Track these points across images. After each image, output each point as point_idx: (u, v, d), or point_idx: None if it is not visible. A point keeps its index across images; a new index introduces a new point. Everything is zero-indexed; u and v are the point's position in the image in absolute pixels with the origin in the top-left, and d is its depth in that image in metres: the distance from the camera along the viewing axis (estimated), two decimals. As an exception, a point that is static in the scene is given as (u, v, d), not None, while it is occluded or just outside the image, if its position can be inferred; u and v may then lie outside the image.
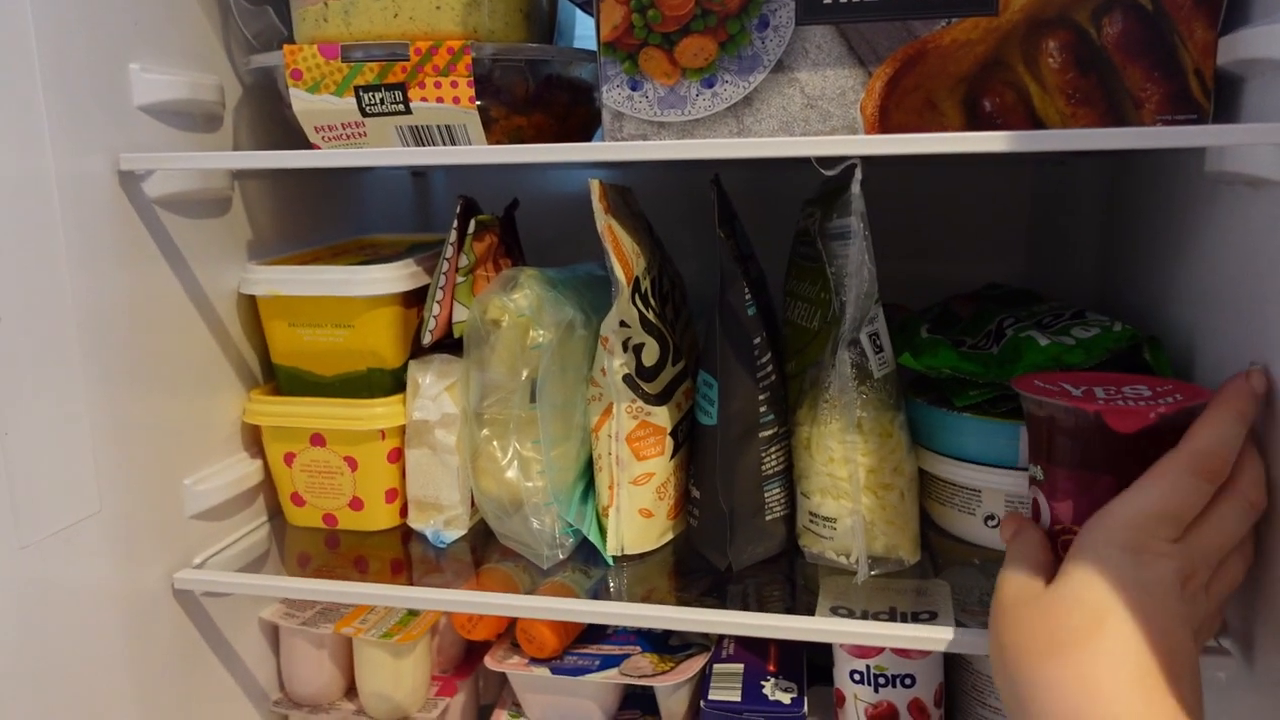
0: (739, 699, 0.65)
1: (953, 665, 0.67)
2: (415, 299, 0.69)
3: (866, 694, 0.61)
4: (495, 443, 0.64)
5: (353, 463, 0.68)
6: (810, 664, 0.69)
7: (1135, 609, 0.40)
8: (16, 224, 0.52)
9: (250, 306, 0.70)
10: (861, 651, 0.60)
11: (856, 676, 0.61)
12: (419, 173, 1.01)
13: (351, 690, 0.74)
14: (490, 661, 0.71)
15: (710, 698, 0.65)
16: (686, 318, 0.73)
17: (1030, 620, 0.43)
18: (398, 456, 0.68)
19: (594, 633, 0.74)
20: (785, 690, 0.66)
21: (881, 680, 0.60)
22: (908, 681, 0.60)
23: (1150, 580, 0.42)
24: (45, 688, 0.54)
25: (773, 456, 0.62)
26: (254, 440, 0.71)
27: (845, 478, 0.59)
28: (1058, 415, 0.49)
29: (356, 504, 0.69)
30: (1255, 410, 0.46)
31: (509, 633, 0.73)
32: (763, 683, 0.66)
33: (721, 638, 0.73)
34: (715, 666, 0.69)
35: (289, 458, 0.69)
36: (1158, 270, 0.65)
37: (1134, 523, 0.43)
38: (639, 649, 0.72)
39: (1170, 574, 0.42)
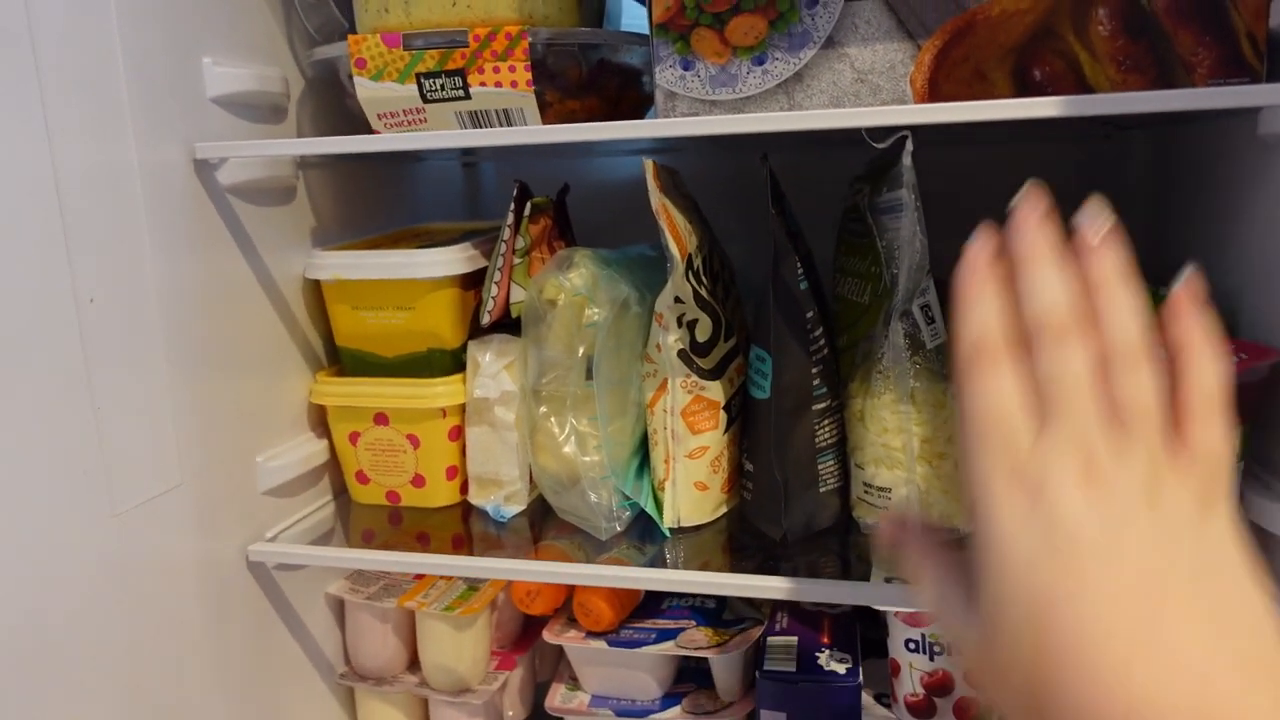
0: (794, 669, 0.66)
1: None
2: (473, 281, 0.71)
3: (922, 663, 0.62)
4: (553, 419, 0.66)
5: (415, 440, 0.70)
6: (863, 639, 0.70)
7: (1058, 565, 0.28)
8: (105, 210, 0.55)
9: (315, 291, 0.73)
10: (917, 619, 0.61)
11: (912, 645, 0.62)
12: (470, 163, 1.03)
13: (414, 663, 0.76)
14: (548, 635, 0.73)
15: (766, 668, 0.66)
16: (736, 297, 0.75)
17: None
18: (458, 434, 0.70)
19: (649, 608, 0.75)
20: (840, 661, 0.66)
21: (937, 649, 0.61)
22: (964, 649, 0.61)
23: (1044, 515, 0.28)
24: (131, 649, 0.57)
25: (825, 429, 0.63)
26: (320, 420, 0.73)
27: (899, 447, 0.60)
28: None
29: (419, 481, 0.71)
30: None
31: (566, 608, 0.75)
32: (817, 654, 0.67)
33: (775, 612, 0.74)
34: (769, 639, 0.70)
35: (354, 437, 0.71)
36: (1206, 240, 0.65)
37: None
38: (693, 623, 0.73)
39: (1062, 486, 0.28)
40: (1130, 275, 0.32)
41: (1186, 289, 0.32)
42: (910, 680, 0.62)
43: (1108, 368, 0.30)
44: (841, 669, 0.65)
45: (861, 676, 0.65)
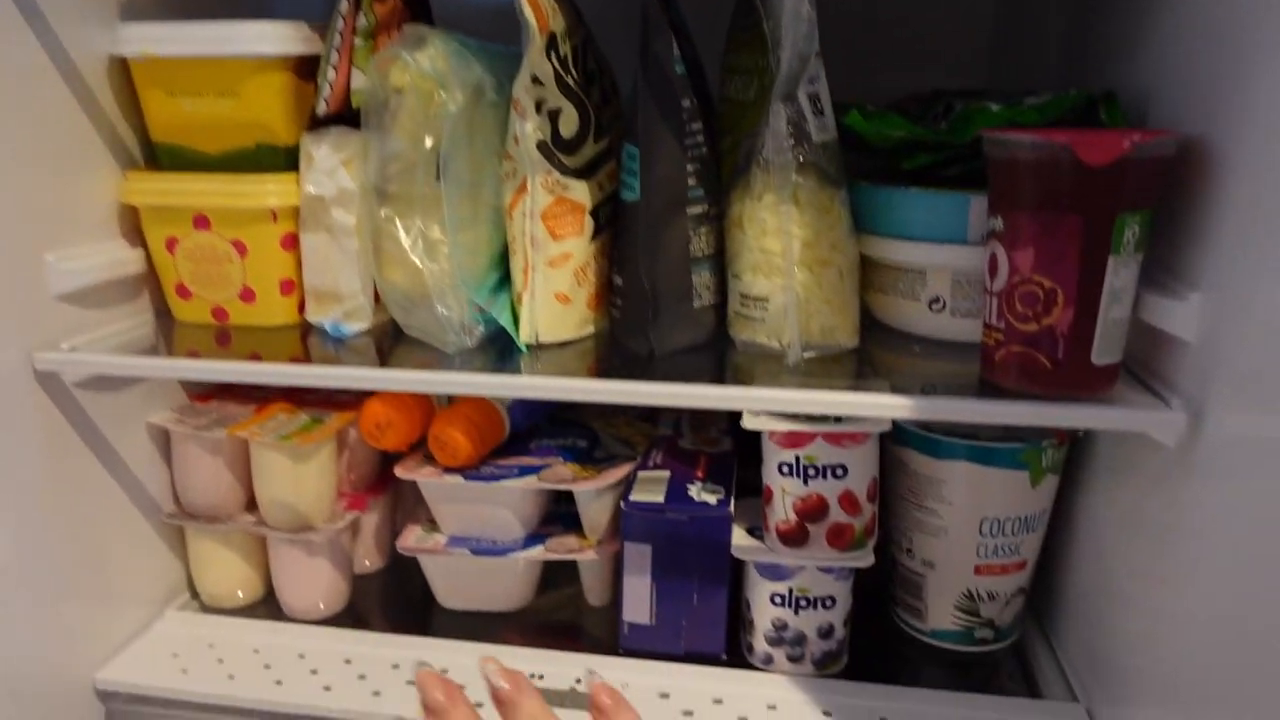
0: (662, 499, 0.61)
1: (889, 467, 0.64)
2: (310, 69, 0.61)
3: (795, 487, 0.57)
4: (399, 222, 0.58)
5: (241, 248, 0.61)
6: (742, 481, 0.65)
7: None
8: None
9: (125, 75, 0.62)
10: (792, 440, 0.57)
11: (785, 469, 0.57)
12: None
13: (251, 504, 0.69)
14: (401, 471, 0.67)
15: (631, 498, 0.61)
16: (616, 110, 0.67)
17: None
18: (293, 243, 0.62)
19: (515, 448, 0.70)
20: (712, 492, 0.62)
21: (811, 471, 0.57)
22: (839, 472, 0.57)
23: None
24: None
25: (702, 238, 0.57)
26: (134, 226, 0.64)
27: (778, 252, 0.54)
28: (1023, 154, 0.45)
29: (248, 295, 0.63)
30: None
31: (423, 446, 0.68)
32: (688, 486, 0.63)
33: (650, 449, 0.69)
34: (640, 473, 0.65)
35: (171, 243, 0.62)
36: (1121, 42, 0.60)
37: None
38: (560, 460, 0.68)
39: None
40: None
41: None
42: (783, 506, 0.58)
43: None
44: (713, 499, 0.61)
45: (733, 508, 0.61)
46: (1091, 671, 0.60)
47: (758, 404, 0.51)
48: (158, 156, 0.63)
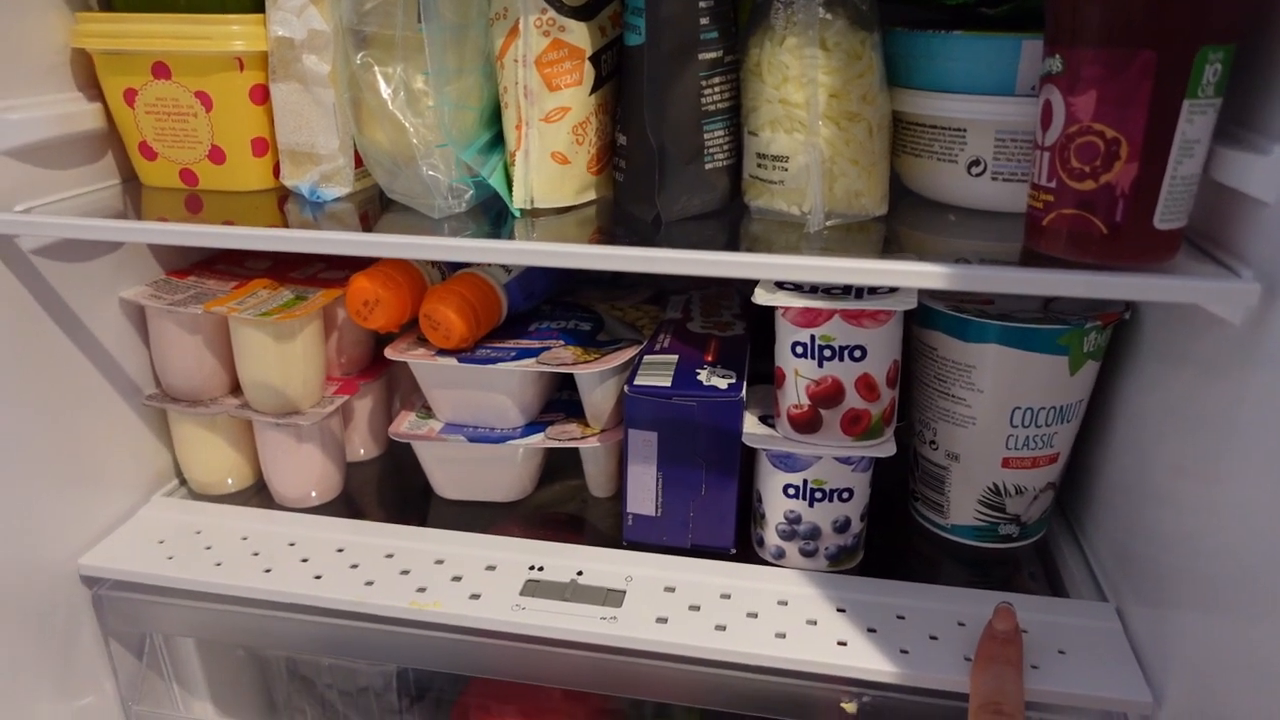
0: (668, 383, 0.57)
1: (914, 352, 0.59)
2: (278, -104, 0.54)
3: (809, 369, 0.53)
4: (377, 70, 0.52)
5: (206, 100, 0.56)
6: (756, 372, 0.61)
7: None
8: None
9: (70, -97, 0.56)
10: (807, 318, 0.52)
11: (799, 349, 0.53)
12: None
13: (235, 387, 0.65)
14: (391, 352, 0.63)
15: (635, 382, 0.57)
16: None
17: None
18: (263, 96, 0.56)
19: (513, 331, 0.65)
20: (723, 377, 0.58)
21: (827, 352, 0.52)
22: (856, 354, 0.52)
23: None
24: None
25: (716, 89, 0.51)
26: (91, 79, 0.58)
27: (801, 103, 0.48)
28: None
29: (217, 155, 0.58)
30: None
31: (415, 327, 0.64)
32: (698, 371, 0.58)
33: (657, 333, 0.64)
34: (645, 357, 0.60)
35: (129, 95, 0.57)
36: None
37: None
38: (561, 342, 0.63)
39: None
40: None
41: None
42: (795, 390, 0.54)
43: None
44: (723, 384, 0.57)
45: (745, 394, 0.56)
46: (1122, 570, 0.56)
47: (771, 271, 0.45)
48: (113, -2, 0.57)
